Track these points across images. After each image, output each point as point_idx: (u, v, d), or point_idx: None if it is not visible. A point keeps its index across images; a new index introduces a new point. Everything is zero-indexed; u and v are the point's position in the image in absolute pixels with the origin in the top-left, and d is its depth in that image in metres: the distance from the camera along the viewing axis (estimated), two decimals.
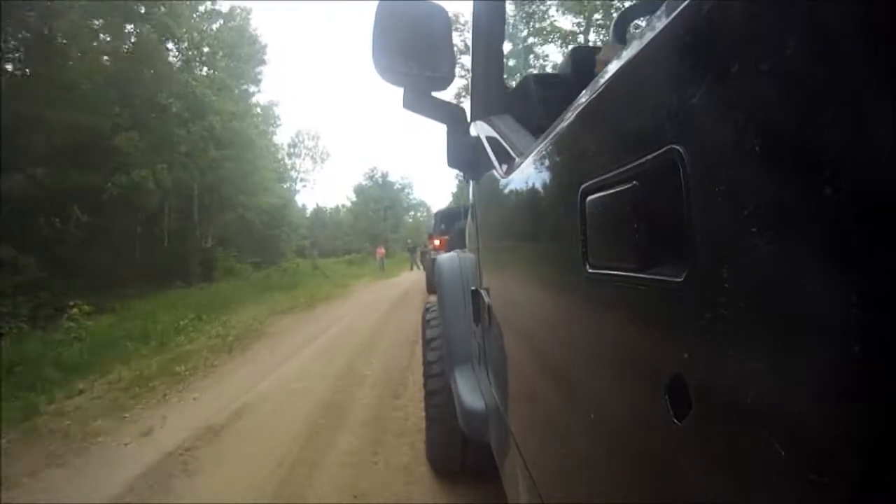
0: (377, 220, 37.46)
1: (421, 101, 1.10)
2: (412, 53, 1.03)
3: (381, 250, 22.27)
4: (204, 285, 11.21)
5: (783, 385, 0.24)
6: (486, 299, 1.20)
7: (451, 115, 1.17)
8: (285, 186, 27.43)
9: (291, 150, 33.32)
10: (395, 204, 40.75)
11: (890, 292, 0.19)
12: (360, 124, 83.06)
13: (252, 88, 18.49)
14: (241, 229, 16.56)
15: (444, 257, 1.83)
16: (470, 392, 1.38)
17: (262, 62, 18.40)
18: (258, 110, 19.49)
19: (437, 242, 8.80)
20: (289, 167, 32.12)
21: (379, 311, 7.51)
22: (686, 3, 0.31)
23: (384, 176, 41.36)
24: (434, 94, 1.12)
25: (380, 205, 38.69)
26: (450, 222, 8.18)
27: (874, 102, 0.20)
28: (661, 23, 0.34)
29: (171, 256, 12.04)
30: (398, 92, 1.09)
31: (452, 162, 1.25)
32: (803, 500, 0.24)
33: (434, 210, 10.06)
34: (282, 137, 34.70)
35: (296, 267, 16.40)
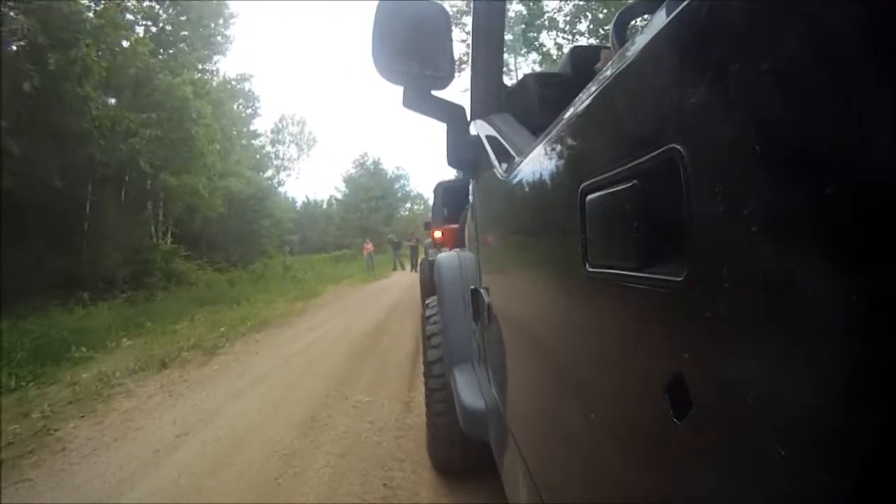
0: (368, 212, 34.42)
1: (421, 99, 1.10)
2: (412, 53, 1.03)
3: (369, 246, 18.57)
4: (128, 297, 8.40)
5: (783, 385, 0.24)
6: (486, 298, 1.20)
7: (450, 114, 1.17)
8: (267, 175, 24.44)
9: (275, 137, 30.86)
10: (387, 194, 37.27)
11: (890, 292, 0.19)
12: (353, 114, 79.73)
13: (206, 51, 13.92)
14: (208, 223, 13.02)
15: (444, 256, 1.83)
16: (469, 391, 1.38)
17: (221, 15, 14.06)
18: (211, 75, 14.59)
19: (437, 235, 5.92)
20: (272, 155, 29.42)
21: (330, 367, 3.99)
22: (686, 2, 0.31)
23: (376, 163, 37.66)
24: (434, 92, 1.12)
25: (371, 194, 35.20)
26: (456, 203, 5.75)
27: (874, 102, 0.20)
28: (660, 22, 0.34)
29: (100, 257, 8.87)
30: (394, 85, 1.09)
31: (452, 161, 1.25)
32: (803, 500, 0.24)
33: (434, 196, 7.28)
34: (265, 124, 31.90)
35: (264, 268, 13.77)
